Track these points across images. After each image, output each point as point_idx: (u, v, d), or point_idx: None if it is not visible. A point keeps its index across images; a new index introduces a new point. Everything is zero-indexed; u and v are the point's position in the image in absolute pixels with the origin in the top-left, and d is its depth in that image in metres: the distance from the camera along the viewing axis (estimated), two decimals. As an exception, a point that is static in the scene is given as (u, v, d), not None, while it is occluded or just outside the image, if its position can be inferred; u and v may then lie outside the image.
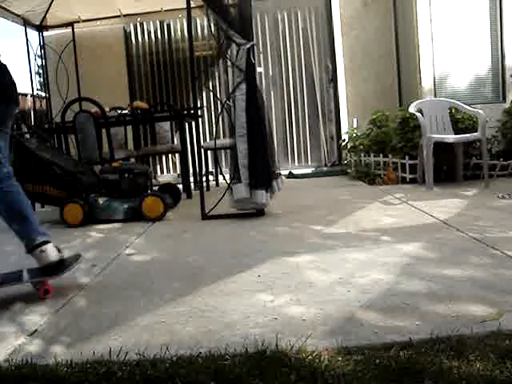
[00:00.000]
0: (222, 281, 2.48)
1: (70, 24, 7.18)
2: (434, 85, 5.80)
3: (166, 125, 6.48)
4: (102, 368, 1.61)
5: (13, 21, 6.56)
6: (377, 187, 5.28)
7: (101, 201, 4.38)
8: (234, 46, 4.06)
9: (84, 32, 7.30)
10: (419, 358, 1.53)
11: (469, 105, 5.22)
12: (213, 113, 7.56)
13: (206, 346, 1.74)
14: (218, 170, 6.02)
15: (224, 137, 7.03)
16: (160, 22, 7.56)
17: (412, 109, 5.10)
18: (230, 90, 4.25)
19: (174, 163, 7.73)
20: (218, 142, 5.67)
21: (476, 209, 3.84)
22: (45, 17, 6.88)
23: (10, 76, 2.57)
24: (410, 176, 5.24)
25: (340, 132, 7.24)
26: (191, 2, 4.15)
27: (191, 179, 5.79)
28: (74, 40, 7.21)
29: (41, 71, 8.55)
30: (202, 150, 5.72)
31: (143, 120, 6.08)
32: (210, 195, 4.55)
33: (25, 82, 7.04)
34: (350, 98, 7.15)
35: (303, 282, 2.37)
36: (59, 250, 2.53)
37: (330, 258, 2.76)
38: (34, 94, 7.50)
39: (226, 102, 4.72)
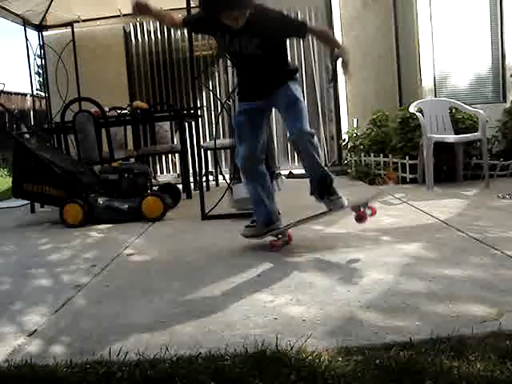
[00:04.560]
0: (222, 281, 2.48)
1: (70, 24, 7.17)
2: (435, 84, 5.80)
3: (166, 125, 6.47)
4: (101, 368, 1.61)
5: (12, 20, 6.56)
6: (377, 187, 5.27)
7: (101, 201, 4.37)
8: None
9: (84, 32, 7.29)
10: (419, 358, 1.52)
11: (469, 105, 5.22)
12: (213, 113, 7.55)
13: (205, 346, 1.74)
14: (218, 169, 6.02)
15: (224, 137, 7.03)
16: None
17: (412, 109, 5.09)
18: (230, 90, 4.24)
19: (174, 163, 7.72)
20: (217, 141, 5.67)
21: (476, 209, 3.84)
22: (44, 16, 6.88)
23: None
24: (410, 176, 5.23)
25: (340, 132, 7.24)
26: (191, 2, 4.15)
27: (191, 179, 5.79)
28: (73, 40, 7.21)
29: (40, 71, 8.57)
30: (202, 150, 5.72)
31: (143, 120, 6.07)
32: (209, 195, 4.55)
33: (24, 81, 7.05)
34: (350, 98, 7.15)
35: (303, 282, 2.37)
36: None
37: (330, 258, 2.75)
38: (34, 93, 7.50)
39: (225, 101, 4.72)
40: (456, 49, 5.78)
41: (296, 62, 7.32)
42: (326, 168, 3.07)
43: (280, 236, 3.08)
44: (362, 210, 2.97)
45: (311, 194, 3.04)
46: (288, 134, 3.09)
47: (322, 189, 2.98)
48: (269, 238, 3.06)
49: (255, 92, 3.00)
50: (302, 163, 3.07)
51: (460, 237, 2.99)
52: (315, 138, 3.00)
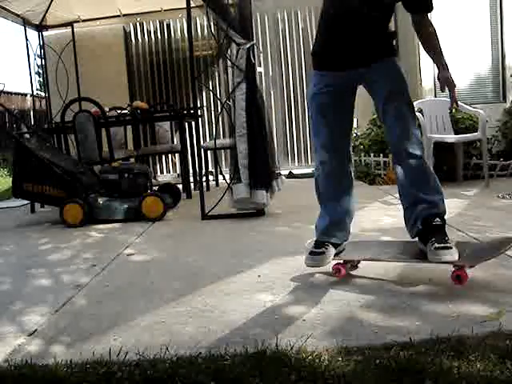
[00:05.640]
0: (222, 281, 2.48)
1: (70, 24, 7.17)
2: (434, 84, 5.79)
3: (166, 125, 6.47)
4: (101, 368, 1.61)
5: (12, 20, 6.55)
6: (377, 187, 5.27)
7: (101, 201, 4.37)
8: (233, 45, 4.06)
9: (84, 32, 7.29)
10: (419, 358, 1.53)
11: (469, 104, 5.22)
12: (213, 113, 7.55)
13: (205, 346, 1.74)
14: (218, 170, 6.02)
15: (224, 137, 7.03)
16: (160, 22, 7.55)
17: (412, 109, 5.09)
18: (230, 89, 4.24)
19: (174, 163, 7.72)
20: (217, 141, 5.66)
21: (476, 209, 3.84)
22: (44, 16, 6.87)
23: None
24: (410, 176, 5.23)
25: (340, 132, 7.22)
26: (191, 2, 4.15)
27: (191, 179, 5.78)
28: (73, 40, 7.20)
29: (40, 71, 8.55)
30: (202, 150, 5.71)
31: (143, 120, 6.07)
32: (209, 195, 4.55)
33: (24, 81, 7.05)
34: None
35: (303, 282, 2.37)
36: None
37: (330, 257, 2.75)
38: (34, 93, 7.49)
39: (225, 101, 4.72)
40: (456, 49, 5.77)
41: (296, 62, 7.32)
42: (442, 196, 2.22)
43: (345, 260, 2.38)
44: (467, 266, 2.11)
45: (413, 235, 2.26)
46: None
47: (427, 229, 2.16)
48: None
49: (346, 56, 2.26)
50: (402, 188, 2.26)
51: (460, 237, 2.98)
52: (425, 152, 2.21)
